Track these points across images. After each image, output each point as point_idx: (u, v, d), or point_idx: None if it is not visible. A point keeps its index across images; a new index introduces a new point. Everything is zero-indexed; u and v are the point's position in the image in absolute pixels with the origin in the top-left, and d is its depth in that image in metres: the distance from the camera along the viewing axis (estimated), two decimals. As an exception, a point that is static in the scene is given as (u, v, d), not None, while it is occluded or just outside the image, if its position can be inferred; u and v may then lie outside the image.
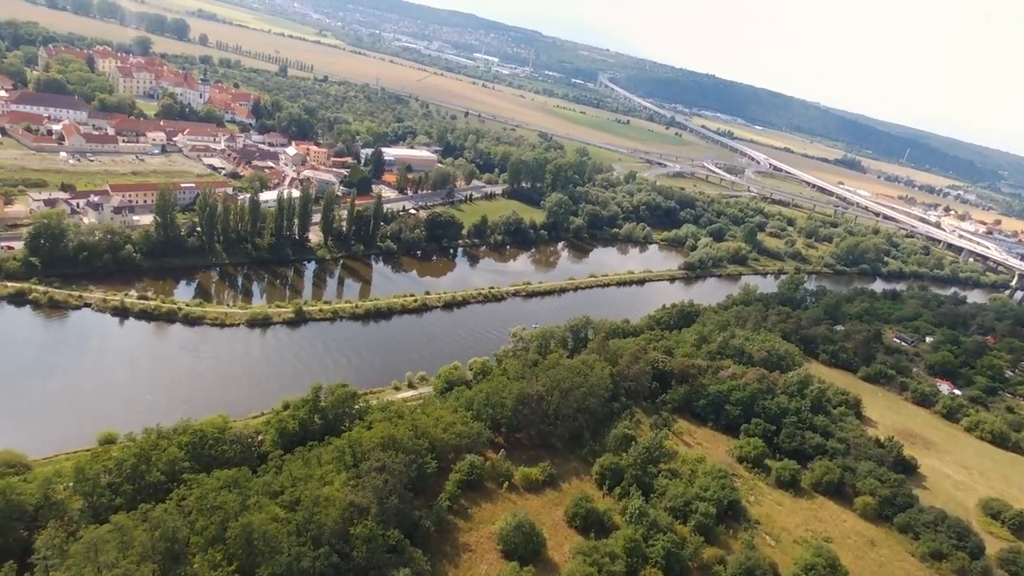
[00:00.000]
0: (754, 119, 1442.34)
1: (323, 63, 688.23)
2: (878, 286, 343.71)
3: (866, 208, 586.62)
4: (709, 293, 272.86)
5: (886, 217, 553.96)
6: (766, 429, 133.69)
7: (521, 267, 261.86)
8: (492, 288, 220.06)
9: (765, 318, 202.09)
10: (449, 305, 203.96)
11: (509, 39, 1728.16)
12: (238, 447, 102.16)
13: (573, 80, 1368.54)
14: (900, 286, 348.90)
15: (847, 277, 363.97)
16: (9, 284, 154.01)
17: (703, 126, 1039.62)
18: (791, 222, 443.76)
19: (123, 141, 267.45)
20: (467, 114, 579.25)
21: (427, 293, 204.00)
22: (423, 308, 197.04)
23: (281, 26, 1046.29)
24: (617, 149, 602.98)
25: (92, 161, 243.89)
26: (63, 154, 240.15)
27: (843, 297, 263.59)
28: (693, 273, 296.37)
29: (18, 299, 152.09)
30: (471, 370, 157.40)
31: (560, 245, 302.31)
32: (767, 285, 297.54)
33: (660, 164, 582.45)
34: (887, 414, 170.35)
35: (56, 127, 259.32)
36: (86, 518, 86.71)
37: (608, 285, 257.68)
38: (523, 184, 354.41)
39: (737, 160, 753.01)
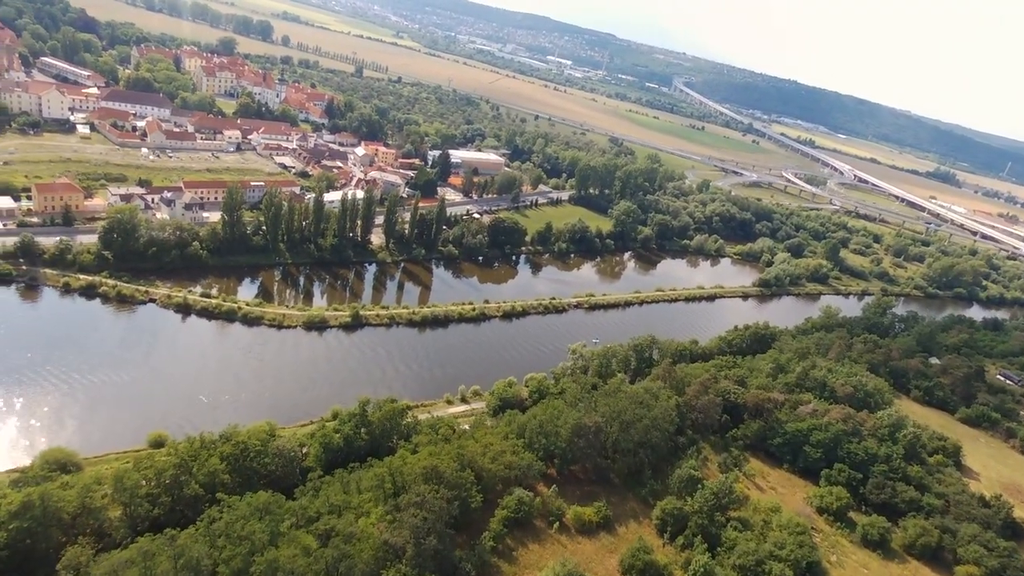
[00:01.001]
0: (838, 127, 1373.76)
1: (398, 64, 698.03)
2: (975, 313, 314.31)
3: (962, 226, 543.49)
4: (785, 313, 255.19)
5: (984, 236, 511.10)
6: (851, 477, 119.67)
7: (585, 277, 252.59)
8: (553, 299, 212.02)
9: (850, 347, 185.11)
10: (508, 315, 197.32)
11: (583, 42, 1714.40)
12: (280, 461, 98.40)
13: (647, 84, 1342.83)
14: (1001, 314, 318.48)
15: (939, 301, 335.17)
16: (81, 276, 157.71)
17: (782, 133, 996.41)
18: (877, 239, 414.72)
19: (201, 138, 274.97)
20: (537, 117, 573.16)
21: (486, 302, 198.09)
22: (481, 317, 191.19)
23: (360, 28, 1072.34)
24: (690, 156, 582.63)
25: (171, 157, 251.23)
26: (144, 150, 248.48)
27: (938, 326, 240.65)
28: (768, 291, 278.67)
29: (88, 292, 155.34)
30: (527, 387, 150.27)
31: (626, 255, 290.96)
32: (850, 307, 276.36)
33: (735, 172, 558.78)
34: (991, 464, 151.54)
35: (140, 124, 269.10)
36: (123, 527, 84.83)
37: (676, 300, 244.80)
38: (591, 190, 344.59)
39: (819, 170, 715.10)
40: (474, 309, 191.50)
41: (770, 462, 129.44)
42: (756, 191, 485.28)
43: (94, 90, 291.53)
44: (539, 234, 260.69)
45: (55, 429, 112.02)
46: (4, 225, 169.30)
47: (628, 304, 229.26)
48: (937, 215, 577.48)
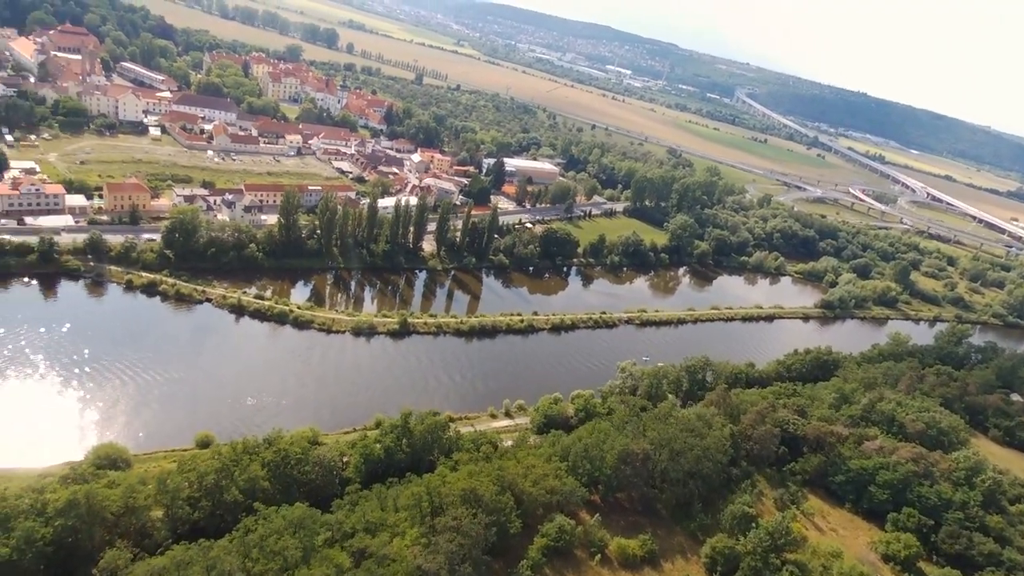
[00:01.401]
0: (910, 142, 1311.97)
1: (457, 72, 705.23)
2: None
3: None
4: (849, 338, 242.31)
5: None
6: (921, 523, 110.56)
7: (637, 292, 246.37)
8: (603, 313, 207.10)
9: (921, 378, 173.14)
10: (556, 328, 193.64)
11: (644, 51, 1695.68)
12: (320, 471, 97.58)
13: (708, 95, 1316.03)
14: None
15: (1021, 332, 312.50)
16: (144, 274, 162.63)
17: (850, 148, 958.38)
18: (952, 261, 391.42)
19: (264, 142, 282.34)
20: (594, 127, 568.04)
21: (535, 314, 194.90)
22: (529, 329, 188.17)
23: (423, 36, 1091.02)
24: (751, 169, 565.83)
25: (234, 160, 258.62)
26: (210, 152, 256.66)
27: (1020, 359, 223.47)
28: (831, 313, 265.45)
29: (149, 289, 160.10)
30: (573, 404, 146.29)
31: (681, 271, 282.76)
32: (920, 334, 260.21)
33: (799, 187, 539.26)
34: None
35: (208, 127, 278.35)
36: (164, 528, 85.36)
37: (732, 319, 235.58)
38: (646, 203, 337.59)
39: (888, 187, 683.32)
40: (522, 321, 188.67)
41: (831, 501, 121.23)
42: (820, 207, 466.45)
43: (167, 94, 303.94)
44: (591, 246, 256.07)
45: (109, 424, 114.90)
46: (76, 222, 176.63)
47: (681, 322, 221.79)
48: (1019, 238, 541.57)
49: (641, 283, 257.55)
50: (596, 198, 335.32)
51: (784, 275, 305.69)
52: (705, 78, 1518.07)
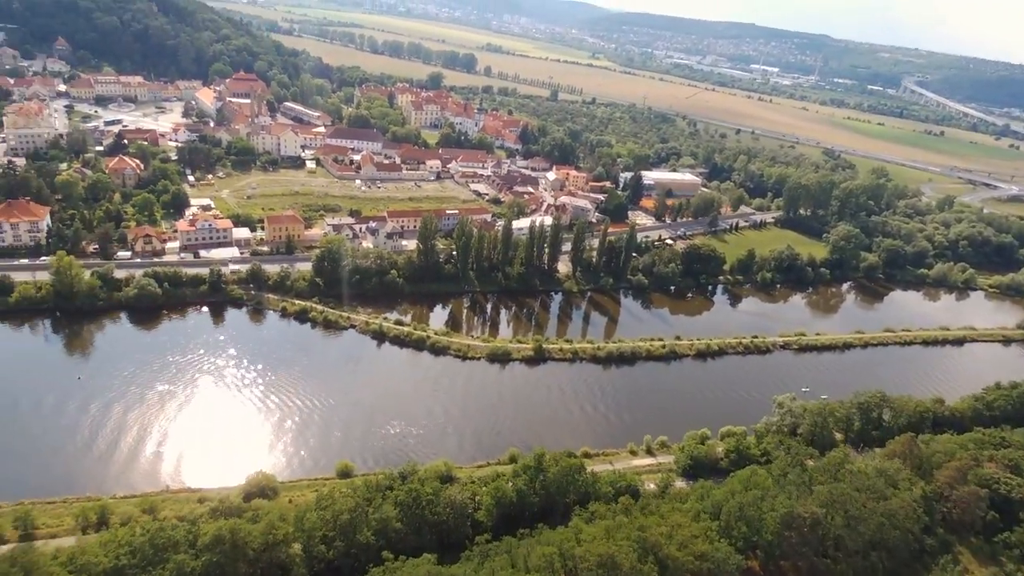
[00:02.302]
0: None
1: (592, 85, 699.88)
2: None
3: None
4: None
5: None
6: None
7: (793, 312, 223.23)
8: (755, 337, 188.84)
9: None
10: (702, 354, 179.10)
11: (792, 46, 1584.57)
12: (451, 512, 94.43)
13: (869, 87, 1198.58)
14: None
15: None
16: (296, 302, 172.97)
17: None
18: None
19: (406, 169, 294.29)
20: (739, 132, 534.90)
21: (677, 338, 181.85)
22: (671, 355, 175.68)
23: (558, 52, 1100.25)
24: (926, 167, 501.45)
25: (379, 188, 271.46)
26: (357, 181, 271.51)
27: None
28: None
29: (301, 316, 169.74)
30: (722, 442, 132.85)
31: (845, 287, 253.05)
32: None
33: (987, 185, 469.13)
34: None
35: (356, 157, 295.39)
36: (302, 565, 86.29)
37: (910, 343, 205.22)
38: (801, 211, 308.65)
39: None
40: (664, 346, 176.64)
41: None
42: (1018, 207, 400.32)
43: (321, 129, 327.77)
44: (739, 262, 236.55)
45: (263, 448, 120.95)
46: (241, 253, 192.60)
47: (847, 346, 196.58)
48: None
49: (797, 302, 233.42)
50: (743, 208, 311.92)
51: (974, 289, 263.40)
52: (864, 69, 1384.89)
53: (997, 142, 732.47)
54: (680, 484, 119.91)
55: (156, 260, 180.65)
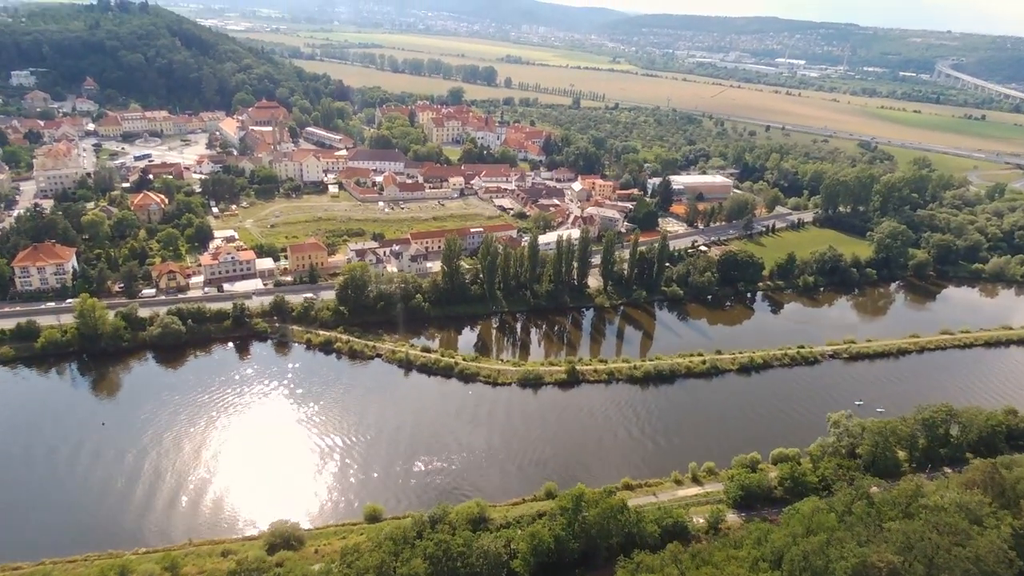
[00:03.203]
0: None
1: (614, 90, 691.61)
2: None
3: None
4: None
5: None
6: None
7: (838, 317, 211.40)
8: (801, 347, 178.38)
9: None
10: (745, 368, 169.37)
11: (817, 37, 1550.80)
12: (484, 564, 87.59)
13: (901, 74, 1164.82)
14: None
15: None
16: (321, 332, 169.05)
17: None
18: None
19: (429, 187, 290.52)
20: (768, 128, 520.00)
21: (718, 352, 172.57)
22: (713, 371, 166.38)
23: (578, 59, 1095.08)
24: (971, 154, 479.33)
25: (403, 208, 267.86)
26: (380, 203, 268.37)
27: None
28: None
29: (326, 347, 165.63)
30: (774, 467, 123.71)
31: (893, 287, 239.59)
32: None
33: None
34: None
35: (379, 179, 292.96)
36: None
37: (971, 345, 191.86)
38: (840, 209, 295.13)
39: None
40: (704, 361, 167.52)
41: None
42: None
43: (343, 152, 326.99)
44: (779, 266, 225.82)
45: (287, 492, 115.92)
46: (265, 284, 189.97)
47: (902, 352, 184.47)
48: None
49: (843, 305, 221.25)
50: (779, 209, 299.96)
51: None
52: (895, 55, 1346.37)
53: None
54: (731, 517, 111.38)
55: (180, 296, 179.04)
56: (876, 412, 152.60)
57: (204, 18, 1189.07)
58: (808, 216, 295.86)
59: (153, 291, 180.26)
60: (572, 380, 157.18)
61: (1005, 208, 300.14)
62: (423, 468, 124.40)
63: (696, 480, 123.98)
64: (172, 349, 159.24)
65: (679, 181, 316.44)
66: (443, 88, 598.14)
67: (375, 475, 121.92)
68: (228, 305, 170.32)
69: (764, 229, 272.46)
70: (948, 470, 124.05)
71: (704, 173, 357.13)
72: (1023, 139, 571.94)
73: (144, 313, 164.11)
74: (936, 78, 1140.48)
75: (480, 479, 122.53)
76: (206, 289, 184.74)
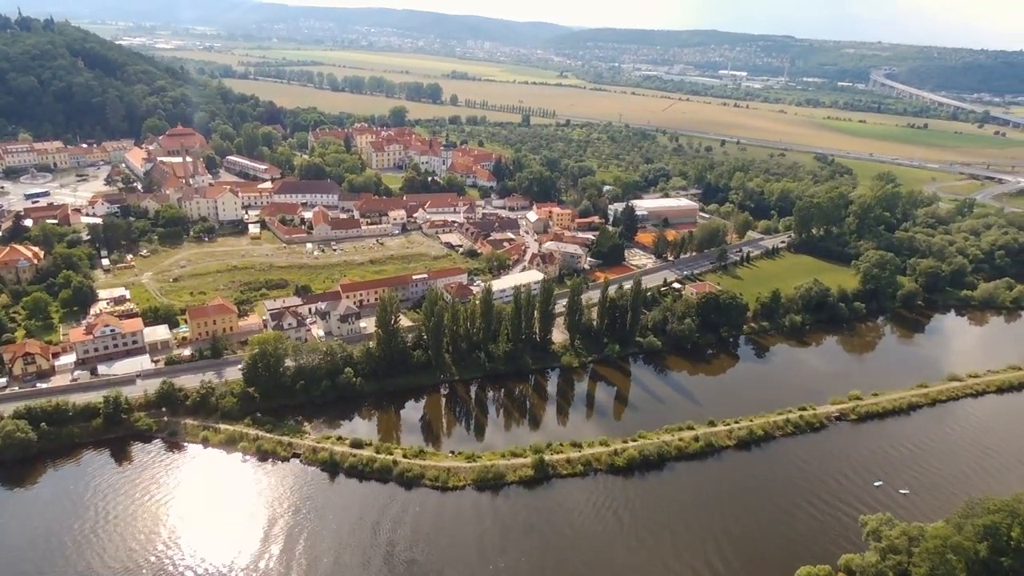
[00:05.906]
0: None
1: (564, 106, 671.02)
2: None
3: None
4: None
5: None
6: None
7: (832, 361, 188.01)
8: (803, 410, 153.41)
9: None
10: (744, 443, 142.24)
11: (757, 49, 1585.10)
12: None
13: (839, 84, 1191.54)
14: None
15: None
16: (222, 427, 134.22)
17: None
18: None
19: (366, 223, 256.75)
20: (724, 143, 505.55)
21: (711, 424, 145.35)
22: (707, 450, 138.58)
23: (525, 74, 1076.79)
24: (924, 165, 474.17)
25: (335, 251, 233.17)
26: (309, 246, 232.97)
27: None
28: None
29: (229, 445, 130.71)
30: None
31: (880, 320, 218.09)
32: None
33: (991, 179, 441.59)
34: None
35: (308, 215, 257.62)
36: None
37: (983, 393, 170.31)
38: (813, 231, 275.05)
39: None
40: (696, 438, 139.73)
41: None
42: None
43: (268, 184, 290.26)
44: (763, 306, 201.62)
45: None
46: (155, 362, 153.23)
47: (913, 407, 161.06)
48: None
49: (834, 347, 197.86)
50: (751, 234, 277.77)
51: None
52: (831, 66, 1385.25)
53: (981, 130, 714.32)
54: None
55: (41, 387, 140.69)
56: (900, 494, 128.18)
57: (133, 36, 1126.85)
58: (780, 239, 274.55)
59: (3, 381, 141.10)
60: (540, 475, 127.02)
61: (980, 226, 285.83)
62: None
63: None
64: (19, 464, 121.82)
65: (642, 206, 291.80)
66: (385, 107, 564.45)
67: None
68: (99, 398, 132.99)
69: (738, 258, 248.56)
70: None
71: (667, 195, 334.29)
72: (966, 147, 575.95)
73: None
74: (872, 87, 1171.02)
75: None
76: (76, 374, 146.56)
